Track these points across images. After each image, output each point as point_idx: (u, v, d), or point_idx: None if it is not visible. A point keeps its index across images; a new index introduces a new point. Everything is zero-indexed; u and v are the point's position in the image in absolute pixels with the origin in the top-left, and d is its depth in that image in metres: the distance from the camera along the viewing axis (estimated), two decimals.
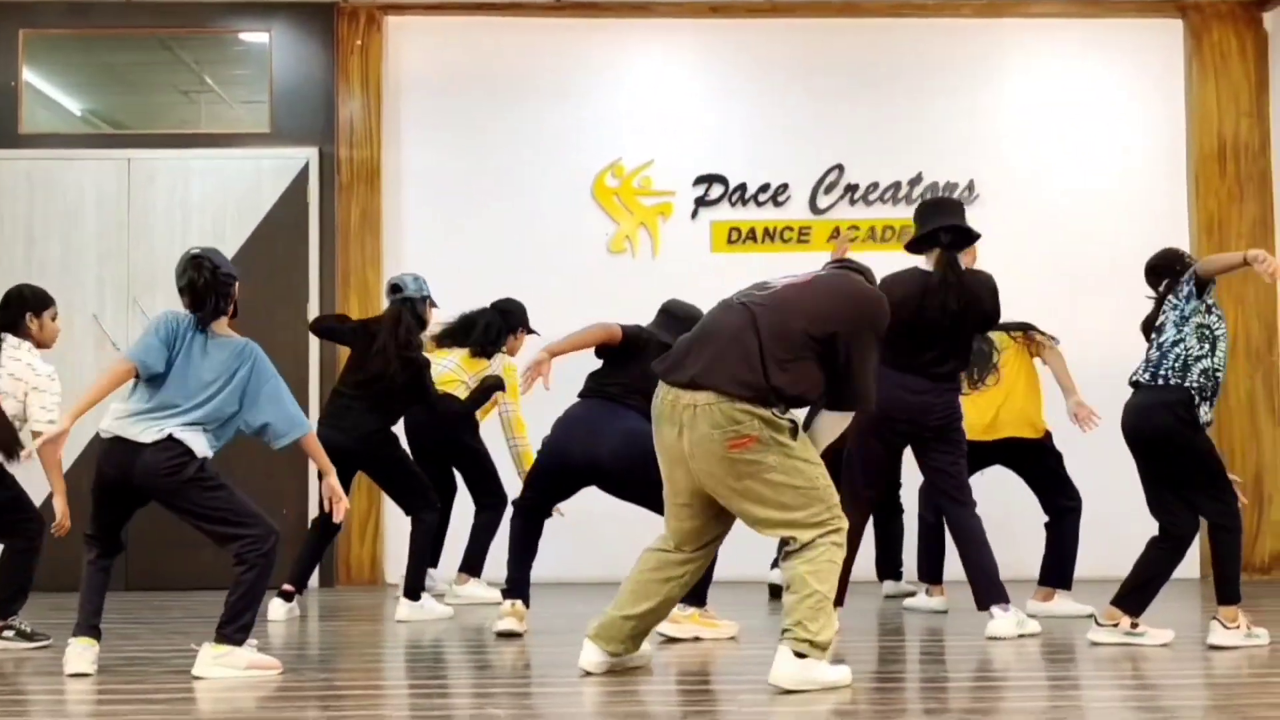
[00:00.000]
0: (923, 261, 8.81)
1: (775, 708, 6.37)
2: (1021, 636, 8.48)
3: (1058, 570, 9.57)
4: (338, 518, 7.71)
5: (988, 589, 8.62)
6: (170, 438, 7.23)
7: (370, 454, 9.73)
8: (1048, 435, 9.74)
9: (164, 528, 10.04)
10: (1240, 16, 12.26)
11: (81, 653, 7.30)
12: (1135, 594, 8.16)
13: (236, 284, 7.72)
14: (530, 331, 10.68)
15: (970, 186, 12.20)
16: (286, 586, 9.77)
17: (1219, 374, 8.08)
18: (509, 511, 9.04)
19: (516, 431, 10.53)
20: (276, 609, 9.67)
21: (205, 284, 7.54)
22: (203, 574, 10.88)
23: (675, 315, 8.71)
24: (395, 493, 10.04)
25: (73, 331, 11.04)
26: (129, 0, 12.13)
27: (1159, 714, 6.34)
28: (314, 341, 11.51)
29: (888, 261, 11.29)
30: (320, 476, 7.84)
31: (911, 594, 10.22)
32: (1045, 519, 9.64)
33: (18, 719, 6.46)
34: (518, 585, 8.68)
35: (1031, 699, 6.83)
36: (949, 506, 8.91)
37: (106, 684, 7.05)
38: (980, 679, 7.46)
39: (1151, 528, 8.19)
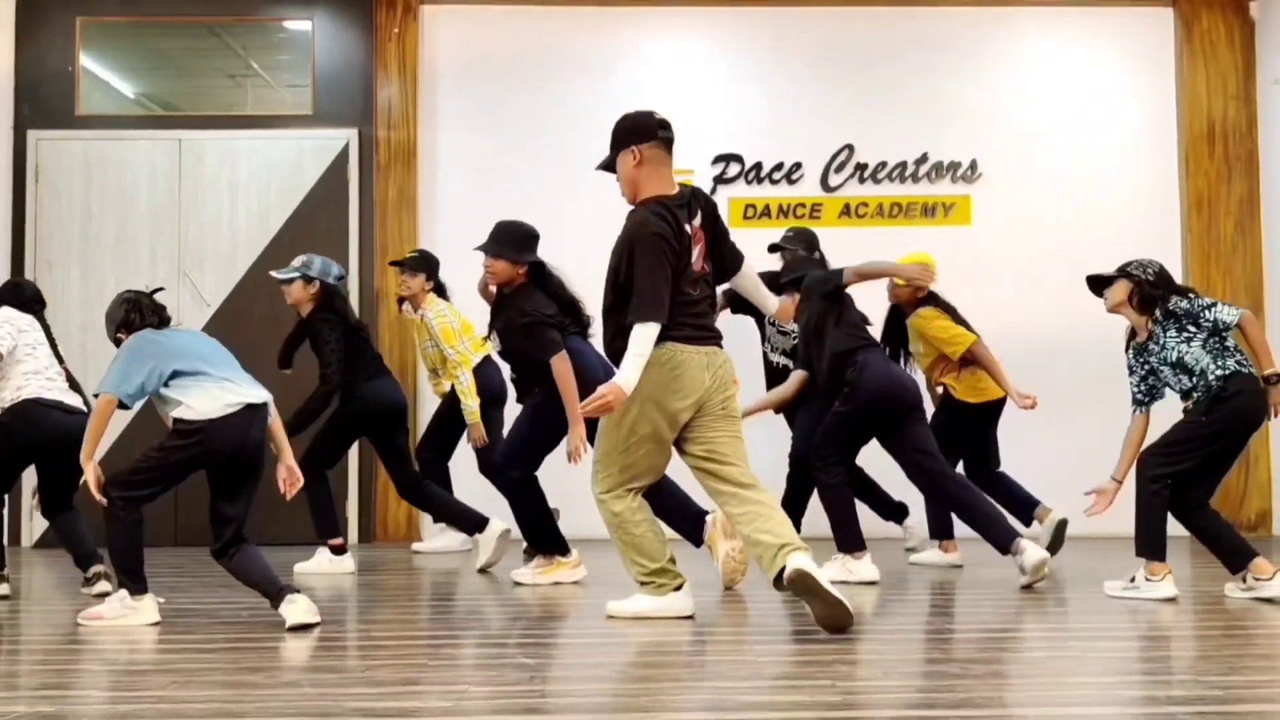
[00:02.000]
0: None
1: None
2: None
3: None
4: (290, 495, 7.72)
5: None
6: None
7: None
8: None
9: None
10: (1228, 5, 12.30)
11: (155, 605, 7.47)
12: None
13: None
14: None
15: (973, 165, 12.29)
16: (336, 541, 9.82)
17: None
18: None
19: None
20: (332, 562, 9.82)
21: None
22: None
23: None
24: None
25: None
26: None
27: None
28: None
29: (895, 236, 11.62)
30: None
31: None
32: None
33: (79, 667, 6.52)
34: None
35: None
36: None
37: (165, 635, 7.09)
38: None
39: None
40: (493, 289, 9.02)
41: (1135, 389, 8.45)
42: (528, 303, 8.58)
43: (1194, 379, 8.12)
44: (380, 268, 12.00)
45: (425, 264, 10.86)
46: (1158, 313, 8.29)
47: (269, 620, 7.30)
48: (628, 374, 6.93)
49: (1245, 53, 12.29)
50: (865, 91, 12.38)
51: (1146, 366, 8.36)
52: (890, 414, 8.99)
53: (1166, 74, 12.44)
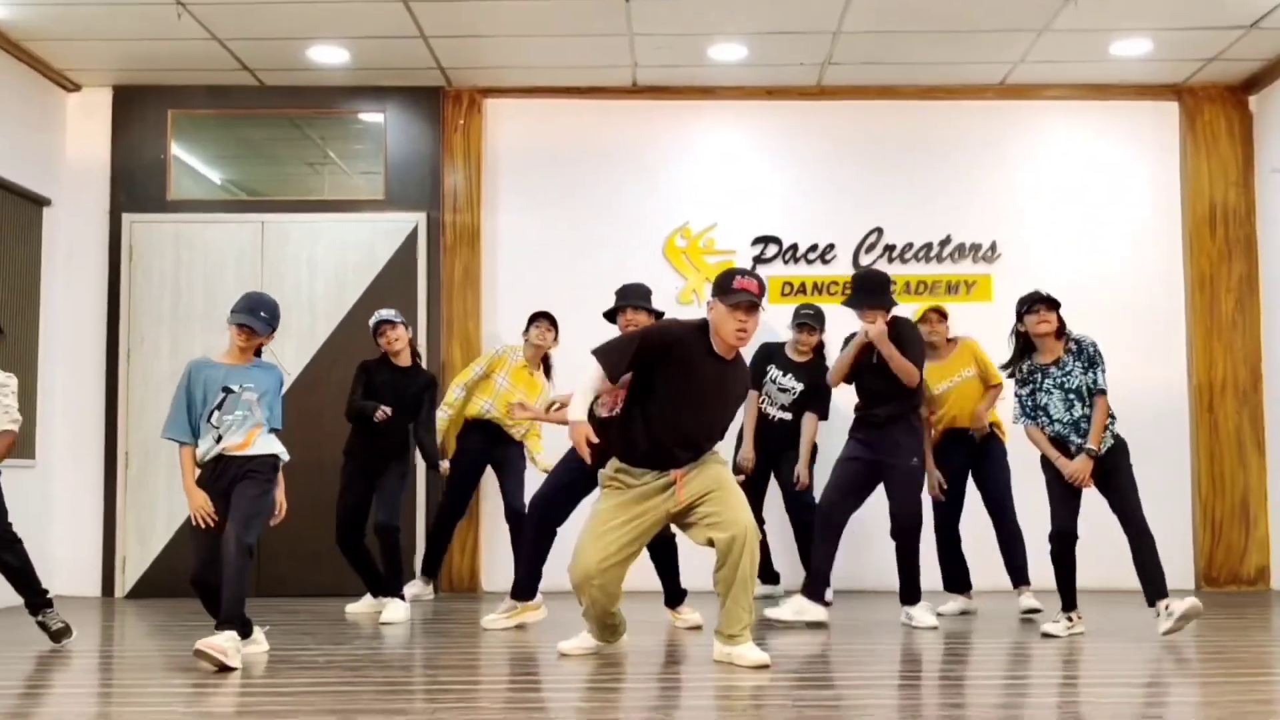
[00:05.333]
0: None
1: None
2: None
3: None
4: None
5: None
6: None
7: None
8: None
9: (291, 541, 10.55)
10: (1228, 99, 12.21)
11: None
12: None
13: None
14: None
15: (993, 246, 12.19)
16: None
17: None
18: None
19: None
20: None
21: None
22: (323, 582, 11.12)
23: None
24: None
25: None
26: (264, 85, 12.17)
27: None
28: None
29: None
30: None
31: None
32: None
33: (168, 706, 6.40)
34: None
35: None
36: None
37: (247, 679, 7.05)
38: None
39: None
40: None
41: (1026, 403, 8.76)
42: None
43: (1083, 409, 8.53)
44: (446, 342, 11.92)
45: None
46: (1071, 344, 8.68)
47: (347, 664, 7.30)
48: None
49: (1244, 143, 12.19)
50: (893, 178, 12.28)
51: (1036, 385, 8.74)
52: None
53: (1171, 162, 12.32)
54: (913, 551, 9.16)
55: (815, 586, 9.29)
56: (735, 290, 7.26)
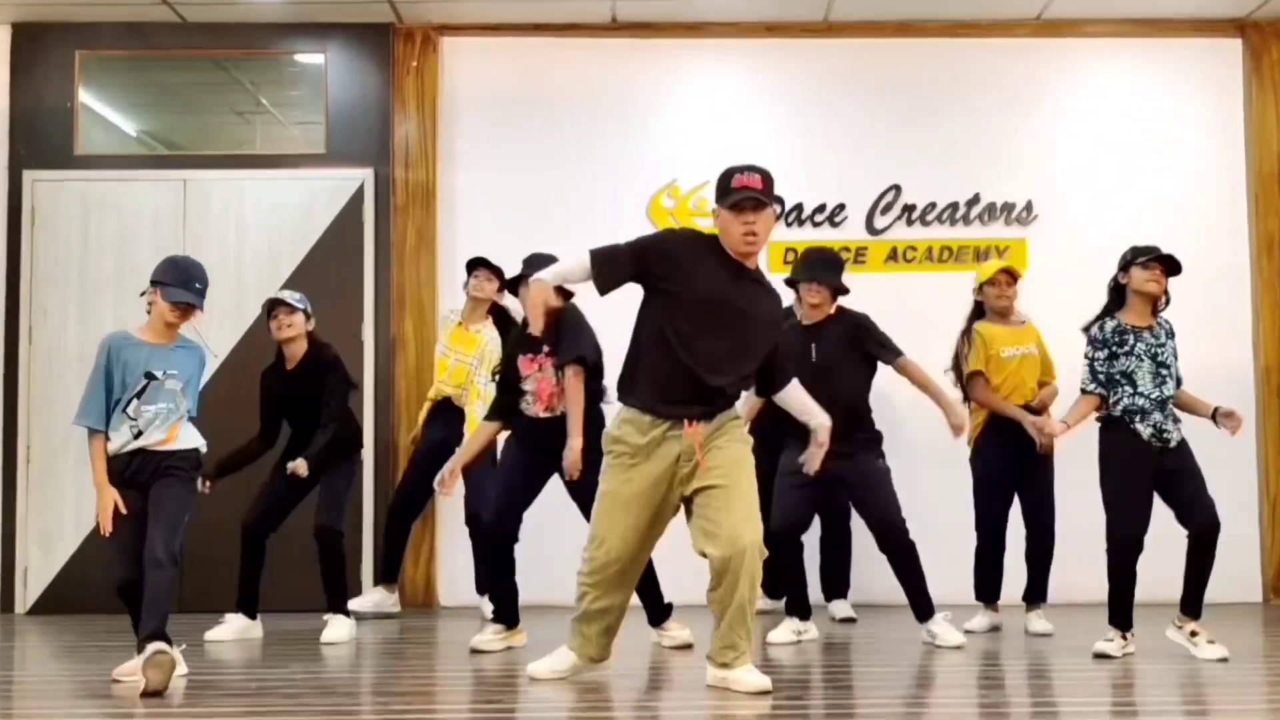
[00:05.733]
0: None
1: None
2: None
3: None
4: None
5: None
6: None
7: None
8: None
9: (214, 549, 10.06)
10: None
11: None
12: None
13: None
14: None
15: (1028, 206, 11.21)
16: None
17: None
18: None
19: None
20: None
21: None
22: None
23: None
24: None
25: None
26: (185, 22, 11.31)
27: None
28: (368, 359, 10.99)
29: (945, 282, 10.70)
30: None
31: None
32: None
33: None
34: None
35: None
36: None
37: (164, 707, 6.61)
38: None
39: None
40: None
41: (1099, 371, 8.13)
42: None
43: (1173, 388, 8.09)
44: (397, 315, 11.16)
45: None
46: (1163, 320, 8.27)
47: (283, 689, 6.96)
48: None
49: None
50: (913, 128, 11.35)
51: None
52: None
53: (1234, 108, 11.37)
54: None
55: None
56: (734, 190, 6.84)
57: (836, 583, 9.94)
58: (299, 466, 9.15)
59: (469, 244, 10.95)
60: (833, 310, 8.61)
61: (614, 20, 11.34)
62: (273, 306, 9.38)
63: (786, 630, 8.70)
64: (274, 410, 9.45)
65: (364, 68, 11.41)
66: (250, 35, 11.45)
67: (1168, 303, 8.25)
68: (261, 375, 9.59)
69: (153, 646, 6.92)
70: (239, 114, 12.89)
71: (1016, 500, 9.25)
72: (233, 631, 9.03)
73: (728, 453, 6.83)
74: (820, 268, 8.60)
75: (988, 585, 9.23)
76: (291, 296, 9.38)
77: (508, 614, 8.46)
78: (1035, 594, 9.19)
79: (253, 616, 9.18)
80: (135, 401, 7.31)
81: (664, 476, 6.82)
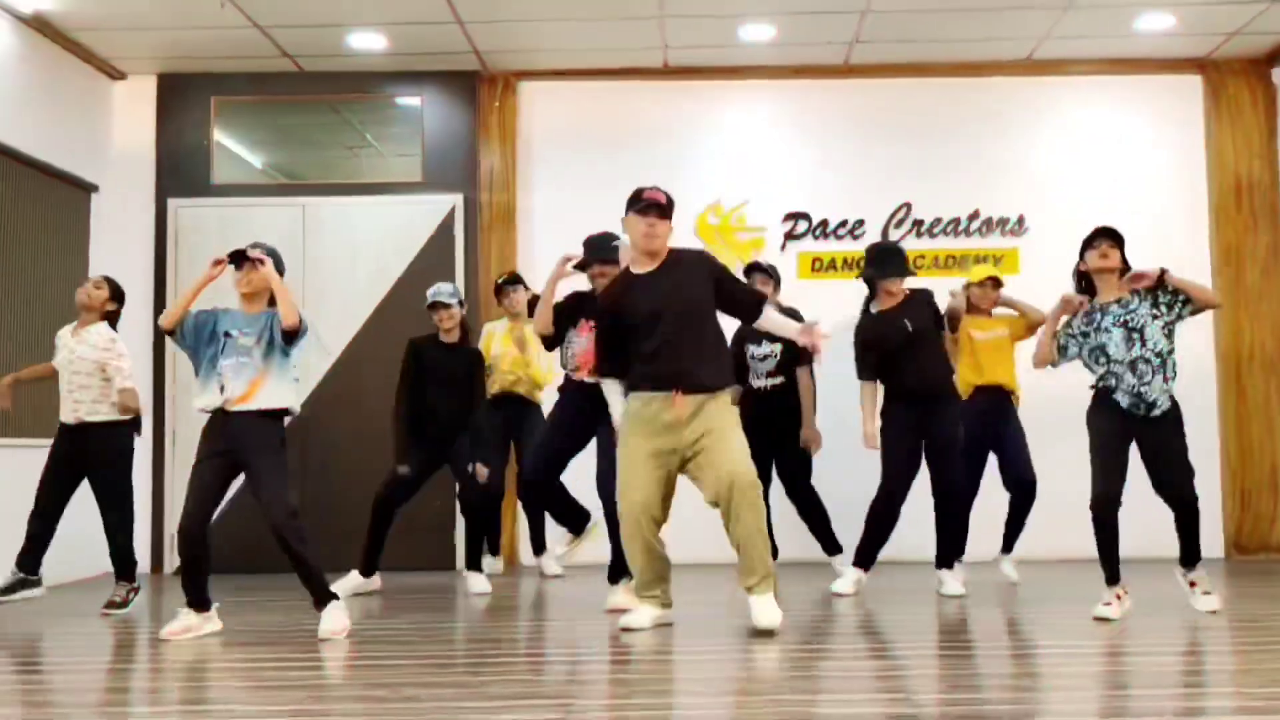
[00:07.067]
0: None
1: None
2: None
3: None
4: None
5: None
6: None
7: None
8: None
9: (338, 518, 10.45)
10: (1251, 72, 12.14)
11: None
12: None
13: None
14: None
15: (1020, 220, 12.11)
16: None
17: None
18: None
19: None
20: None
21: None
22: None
23: None
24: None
25: None
26: (304, 71, 12.14)
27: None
28: None
29: (950, 285, 11.07)
30: None
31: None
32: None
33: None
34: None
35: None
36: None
37: (292, 652, 6.96)
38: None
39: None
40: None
41: (1069, 350, 8.16)
42: None
43: (1141, 349, 7.78)
44: (483, 319, 11.66)
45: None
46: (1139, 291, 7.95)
47: (389, 639, 7.27)
48: None
49: (1268, 116, 12.11)
50: (921, 154, 12.21)
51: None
52: None
53: (1196, 135, 12.22)
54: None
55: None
56: (642, 199, 7.50)
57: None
58: (480, 473, 9.75)
59: (544, 258, 11.70)
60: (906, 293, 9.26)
61: (665, 65, 12.17)
62: (432, 304, 9.84)
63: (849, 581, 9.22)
64: (419, 375, 9.76)
65: (454, 108, 12.19)
66: (358, 82, 12.21)
67: (1128, 270, 7.97)
68: (413, 345, 9.90)
69: (328, 611, 7.40)
70: (349, 148, 13.41)
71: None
72: (350, 587, 9.55)
73: (708, 410, 7.32)
74: (897, 265, 9.30)
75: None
76: (445, 293, 9.88)
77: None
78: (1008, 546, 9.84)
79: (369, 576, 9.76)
80: (220, 358, 7.55)
81: (662, 429, 7.36)
